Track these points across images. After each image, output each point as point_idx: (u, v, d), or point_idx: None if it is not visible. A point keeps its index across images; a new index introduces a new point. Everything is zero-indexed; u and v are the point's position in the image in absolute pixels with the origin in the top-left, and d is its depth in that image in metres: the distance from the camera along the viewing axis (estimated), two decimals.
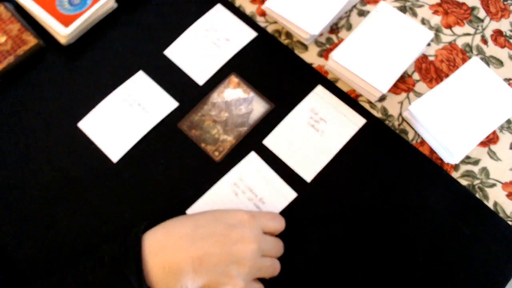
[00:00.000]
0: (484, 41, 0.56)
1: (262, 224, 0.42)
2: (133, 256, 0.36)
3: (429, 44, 0.56)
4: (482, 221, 0.48)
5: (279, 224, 0.45)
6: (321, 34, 0.57)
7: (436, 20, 0.57)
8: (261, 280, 0.43)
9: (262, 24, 0.57)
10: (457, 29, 0.56)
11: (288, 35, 0.57)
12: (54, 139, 0.52)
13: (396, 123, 0.52)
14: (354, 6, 0.58)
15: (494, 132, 0.52)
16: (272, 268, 0.42)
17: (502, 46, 0.56)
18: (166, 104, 0.53)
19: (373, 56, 0.50)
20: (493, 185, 0.50)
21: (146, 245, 0.37)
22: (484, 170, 0.50)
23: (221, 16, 0.57)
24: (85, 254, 0.40)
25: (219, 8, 0.58)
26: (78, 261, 0.38)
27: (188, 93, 0.54)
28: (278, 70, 0.55)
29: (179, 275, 0.36)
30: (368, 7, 0.58)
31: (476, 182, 0.50)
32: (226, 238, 0.38)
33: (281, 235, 0.46)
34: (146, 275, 0.36)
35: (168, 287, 0.36)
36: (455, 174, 0.50)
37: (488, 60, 0.55)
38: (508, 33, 0.56)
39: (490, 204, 0.49)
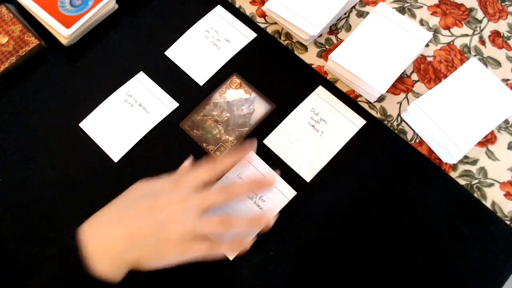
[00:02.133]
0: (482, 42, 0.56)
1: (189, 183, 0.42)
2: (74, 249, 0.38)
3: (427, 45, 0.56)
4: (480, 220, 0.48)
5: (209, 173, 0.43)
6: (320, 35, 0.57)
7: (434, 21, 0.57)
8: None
9: (262, 25, 0.58)
10: (455, 30, 0.57)
11: (288, 36, 0.57)
12: (56, 139, 0.52)
13: (395, 123, 0.53)
14: (353, 7, 0.58)
15: (492, 132, 0.52)
16: (215, 221, 0.41)
17: (500, 47, 0.56)
18: (166, 104, 0.53)
19: (372, 56, 0.50)
20: (491, 185, 0.50)
21: (84, 237, 0.38)
22: (482, 170, 0.51)
23: (221, 17, 0.58)
24: None
25: (219, 9, 0.58)
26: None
27: (188, 93, 0.54)
28: (278, 70, 0.55)
29: (118, 256, 0.38)
30: (367, 8, 0.58)
31: (474, 181, 0.50)
32: (153, 209, 0.39)
33: (280, 232, 0.47)
34: (90, 263, 0.38)
35: (112, 270, 0.38)
36: (453, 174, 0.50)
37: (486, 61, 0.55)
38: (506, 34, 0.57)
39: (488, 204, 0.49)
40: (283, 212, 0.48)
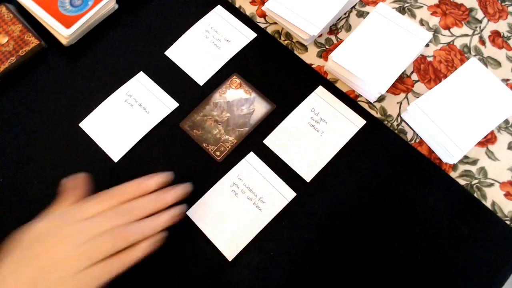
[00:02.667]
0: (482, 42, 0.56)
1: (76, 218, 0.39)
2: None
3: (427, 45, 0.56)
4: (480, 220, 0.48)
5: (102, 206, 0.40)
6: (320, 35, 0.57)
7: (434, 21, 0.57)
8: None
9: (262, 25, 0.58)
10: (455, 30, 0.57)
11: (288, 36, 0.57)
12: (56, 139, 0.52)
13: (395, 123, 0.53)
14: (353, 7, 0.58)
15: (492, 132, 0.52)
16: (108, 241, 0.37)
17: (500, 47, 0.56)
18: (166, 104, 0.53)
19: (372, 56, 0.50)
20: (491, 185, 0.50)
21: None
22: (482, 170, 0.51)
23: (221, 17, 0.58)
24: None
25: (219, 9, 0.58)
26: None
27: (188, 93, 0.54)
28: (278, 70, 0.55)
29: None
30: (367, 8, 0.58)
31: (474, 181, 0.50)
32: (39, 255, 0.37)
33: (280, 232, 0.47)
34: None
35: None
36: (453, 174, 0.50)
37: (486, 61, 0.55)
38: (506, 34, 0.57)
39: (488, 204, 0.49)
40: (283, 212, 0.48)
